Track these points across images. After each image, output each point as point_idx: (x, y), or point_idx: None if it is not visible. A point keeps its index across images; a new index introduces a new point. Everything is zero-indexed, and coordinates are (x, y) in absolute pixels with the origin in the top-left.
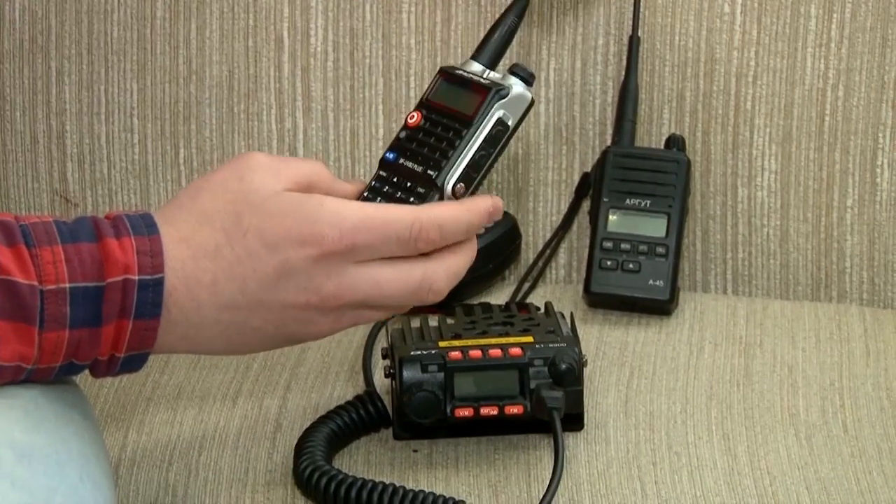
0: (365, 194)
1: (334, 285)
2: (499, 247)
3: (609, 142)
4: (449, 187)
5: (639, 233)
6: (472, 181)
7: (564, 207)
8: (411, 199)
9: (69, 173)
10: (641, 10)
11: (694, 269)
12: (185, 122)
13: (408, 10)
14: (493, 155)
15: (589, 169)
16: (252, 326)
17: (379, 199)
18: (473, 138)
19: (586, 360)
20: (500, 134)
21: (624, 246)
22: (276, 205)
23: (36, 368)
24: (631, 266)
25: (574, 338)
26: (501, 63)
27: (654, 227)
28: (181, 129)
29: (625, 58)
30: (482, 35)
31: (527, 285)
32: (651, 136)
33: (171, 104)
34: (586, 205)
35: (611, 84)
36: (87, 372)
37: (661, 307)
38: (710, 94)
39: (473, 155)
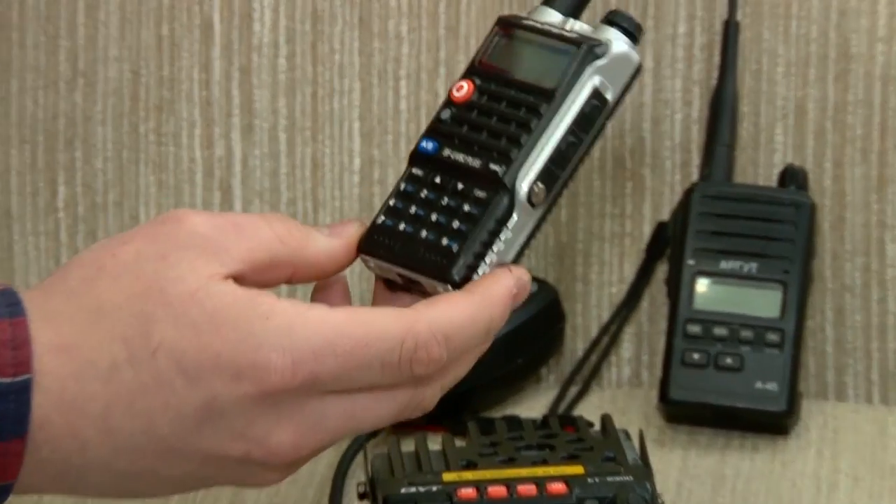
0: (391, 203)
1: (288, 434)
2: (532, 332)
3: (695, 176)
4: (524, 189)
5: (741, 311)
6: (556, 181)
7: (629, 274)
8: (465, 208)
9: None
10: None
11: (823, 367)
12: (66, 148)
13: None
14: (585, 143)
15: (666, 217)
16: (162, 476)
17: (413, 208)
18: (557, 118)
19: (663, 502)
20: (596, 111)
21: (718, 331)
22: (202, 310)
23: None
24: (729, 361)
25: (645, 468)
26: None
27: (764, 302)
28: (60, 158)
29: (718, 53)
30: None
31: (574, 390)
32: (757, 167)
33: (47, 121)
34: (662, 270)
35: (696, 91)
36: None
37: (774, 422)
38: (844, 106)
39: (559, 143)
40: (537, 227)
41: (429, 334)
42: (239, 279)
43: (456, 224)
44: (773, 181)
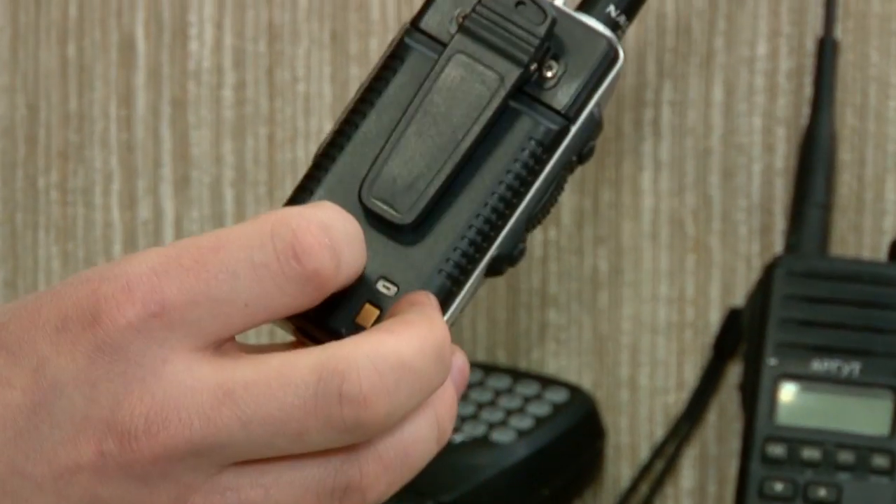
0: None
1: (143, 402)
2: (562, 454)
3: (779, 247)
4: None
5: (839, 427)
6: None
7: (689, 377)
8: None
9: None
10: None
11: None
12: None
13: None
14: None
15: (739, 301)
16: None
17: None
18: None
19: None
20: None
21: (809, 454)
22: (44, 291)
23: None
24: (823, 493)
25: None
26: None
27: (869, 416)
28: None
29: (809, 81)
30: None
31: None
32: (862, 235)
33: None
34: (735, 372)
35: (781, 133)
36: None
37: None
38: None
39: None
40: None
41: (301, 219)
42: None
43: None
44: (881, 253)
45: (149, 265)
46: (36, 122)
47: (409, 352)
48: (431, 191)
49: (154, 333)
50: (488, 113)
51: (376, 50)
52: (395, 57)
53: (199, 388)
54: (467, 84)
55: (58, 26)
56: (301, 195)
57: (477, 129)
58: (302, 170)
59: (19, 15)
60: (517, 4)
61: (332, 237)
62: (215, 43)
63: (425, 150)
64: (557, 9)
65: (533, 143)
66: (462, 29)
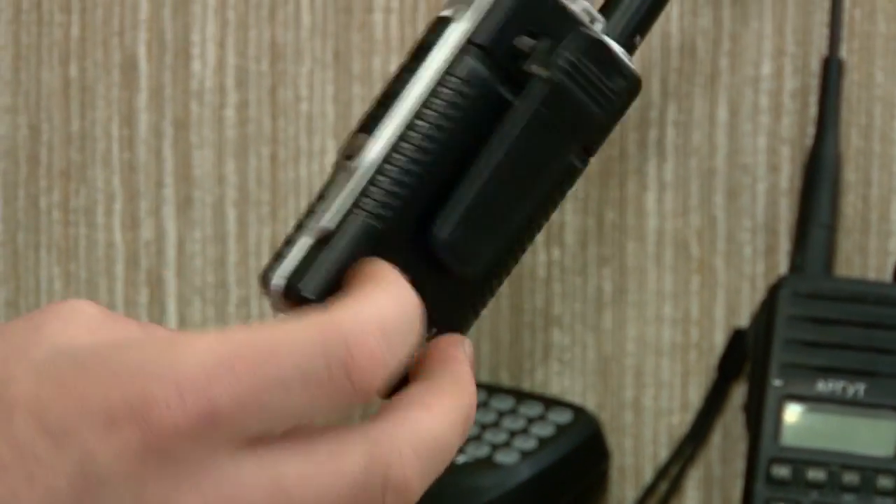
0: None
1: (191, 501)
2: (566, 476)
3: (784, 268)
4: None
5: (844, 448)
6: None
7: (694, 398)
8: None
9: None
10: (847, 6)
11: None
12: None
13: (384, 7)
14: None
15: (744, 322)
16: None
17: None
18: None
19: None
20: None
21: (814, 475)
22: (74, 360)
23: None
24: None
25: None
26: None
27: (875, 437)
28: None
29: (814, 101)
30: None
31: None
32: (867, 255)
33: None
34: (739, 393)
35: (786, 153)
36: None
37: None
38: None
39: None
40: None
41: (356, 325)
42: None
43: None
44: (886, 274)
45: (200, 364)
46: (38, 141)
47: (442, 430)
48: (494, 248)
49: (203, 437)
50: (559, 168)
51: (379, 69)
52: (451, 74)
53: (250, 485)
54: (542, 138)
55: (60, 46)
56: (393, 197)
57: (546, 187)
58: (305, 189)
59: (21, 35)
60: (597, 59)
61: (389, 342)
62: (218, 62)
63: (497, 203)
64: (603, 42)
65: (569, 177)
66: (544, 78)
